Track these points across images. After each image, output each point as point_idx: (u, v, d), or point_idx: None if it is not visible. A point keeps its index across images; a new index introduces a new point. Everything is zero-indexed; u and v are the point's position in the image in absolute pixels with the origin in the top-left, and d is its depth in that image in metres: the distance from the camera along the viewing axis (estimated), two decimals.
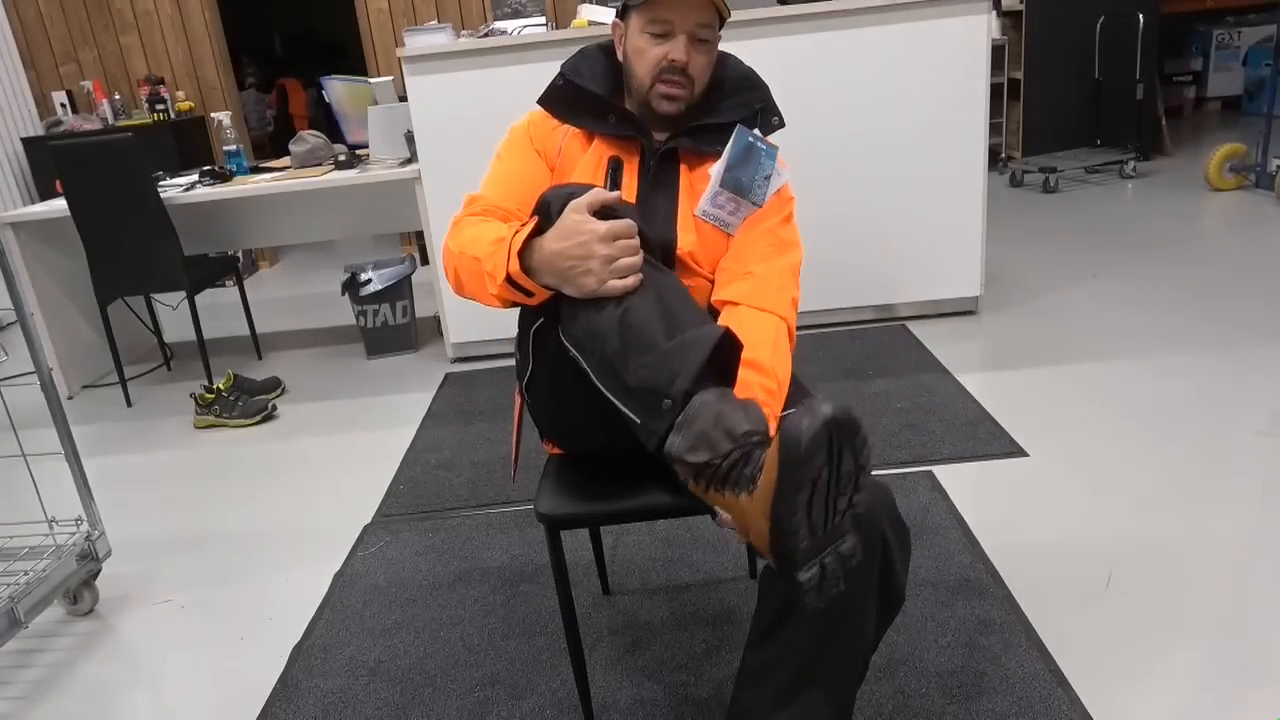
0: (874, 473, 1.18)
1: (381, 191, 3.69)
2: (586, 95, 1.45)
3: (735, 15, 3.08)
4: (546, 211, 1.23)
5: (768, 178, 1.44)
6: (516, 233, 1.23)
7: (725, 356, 1.18)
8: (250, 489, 2.67)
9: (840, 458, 1.00)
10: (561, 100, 1.47)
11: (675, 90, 1.37)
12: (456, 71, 3.14)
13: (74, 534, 2.04)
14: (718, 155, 1.43)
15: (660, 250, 1.39)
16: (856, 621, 1.14)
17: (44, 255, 3.56)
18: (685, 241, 1.42)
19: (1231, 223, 4.22)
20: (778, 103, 1.50)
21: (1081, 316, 3.25)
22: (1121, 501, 2.08)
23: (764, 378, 1.26)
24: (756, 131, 1.44)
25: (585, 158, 1.44)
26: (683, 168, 1.44)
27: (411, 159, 3.40)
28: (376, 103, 3.58)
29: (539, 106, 1.50)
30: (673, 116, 1.41)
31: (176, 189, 3.45)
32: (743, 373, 1.23)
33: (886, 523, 1.12)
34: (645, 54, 1.37)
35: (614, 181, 1.44)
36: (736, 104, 1.46)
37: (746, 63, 1.52)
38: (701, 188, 1.43)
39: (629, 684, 1.65)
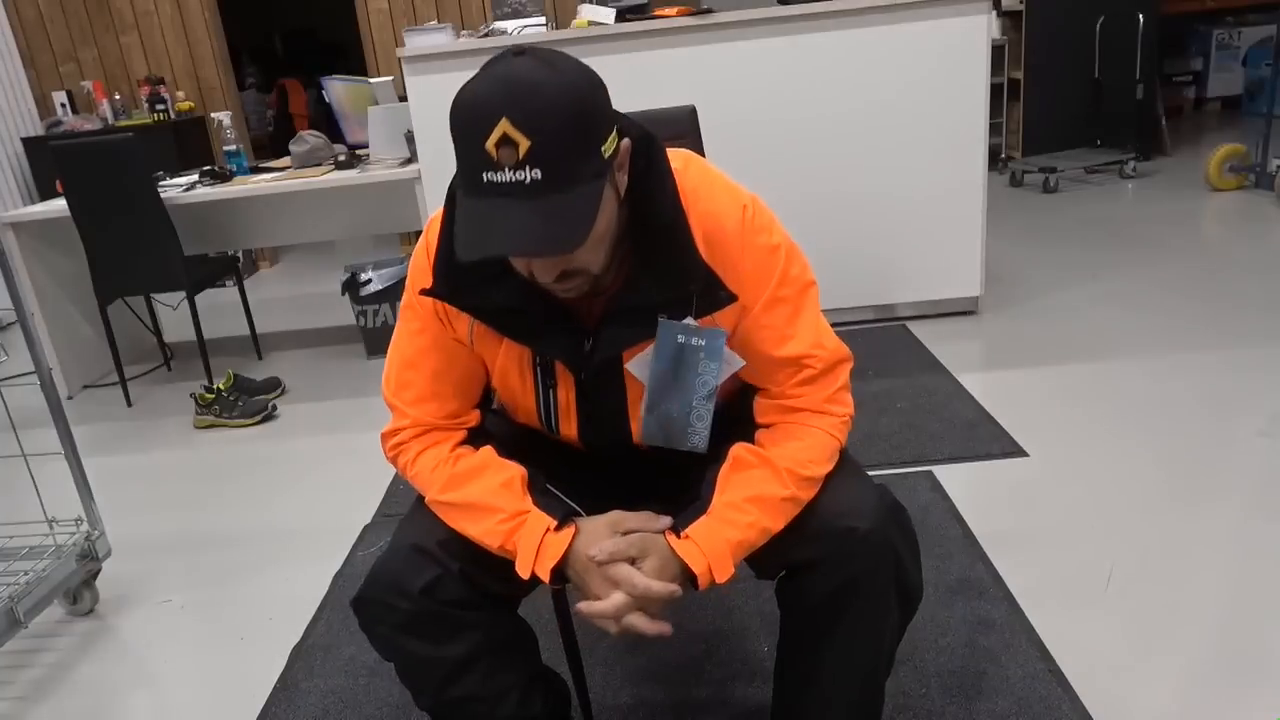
0: (873, 474, 1.18)
1: (381, 191, 3.68)
2: (487, 305, 1.07)
3: (735, 15, 3.08)
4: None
5: (710, 395, 1.11)
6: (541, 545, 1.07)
7: None
8: (250, 489, 2.67)
9: None
10: (455, 291, 1.07)
11: (569, 286, 0.99)
12: (456, 71, 3.14)
13: (74, 534, 2.03)
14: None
15: (617, 449, 1.23)
16: (878, 631, 1.14)
17: (44, 255, 3.55)
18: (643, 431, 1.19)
19: (1231, 223, 4.22)
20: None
21: (1081, 316, 3.24)
22: (1121, 501, 2.08)
23: (773, 482, 1.08)
24: (689, 321, 1.07)
25: (503, 349, 1.13)
26: (625, 355, 1.13)
27: (411, 159, 3.40)
28: (376, 103, 3.58)
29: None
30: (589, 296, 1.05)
31: (176, 189, 3.45)
32: (755, 472, 1.09)
33: (894, 530, 1.10)
34: (515, 262, 0.98)
35: (545, 374, 1.15)
36: (663, 272, 1.04)
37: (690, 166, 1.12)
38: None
39: (629, 684, 1.65)
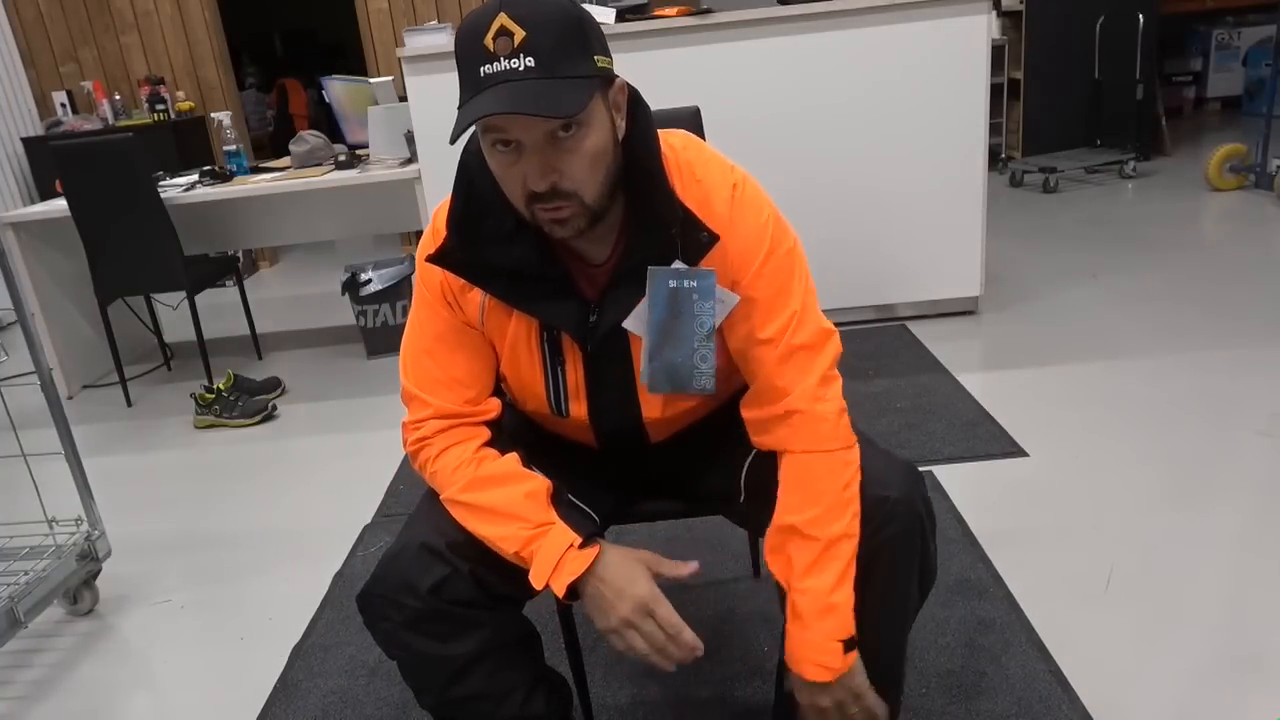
0: None
1: (381, 191, 3.68)
2: (490, 265, 1.09)
3: (735, 15, 3.08)
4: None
5: (709, 335, 1.11)
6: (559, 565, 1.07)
7: None
8: (250, 489, 2.67)
9: None
10: (461, 264, 1.11)
11: (558, 214, 0.99)
12: (456, 71, 3.14)
13: (74, 534, 2.03)
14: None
15: (627, 430, 1.24)
16: (903, 600, 1.16)
17: (44, 255, 3.55)
18: (653, 408, 1.21)
19: (1231, 223, 4.22)
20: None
21: (1081, 316, 3.24)
22: (1121, 501, 2.08)
23: (804, 546, 1.09)
24: (678, 264, 1.08)
25: (512, 325, 1.14)
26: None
27: (411, 159, 3.40)
28: (376, 103, 3.58)
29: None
30: (580, 233, 1.04)
31: (176, 189, 3.45)
32: (790, 547, 1.11)
33: (920, 503, 1.12)
34: (504, 177, 1.00)
35: (554, 350, 1.16)
36: (653, 227, 1.07)
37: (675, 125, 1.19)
38: None
39: (629, 684, 1.65)
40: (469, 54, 0.95)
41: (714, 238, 1.08)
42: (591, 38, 0.97)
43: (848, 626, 1.08)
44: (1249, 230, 4.04)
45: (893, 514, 1.08)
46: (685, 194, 1.08)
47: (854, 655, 1.09)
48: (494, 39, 0.92)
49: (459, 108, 0.96)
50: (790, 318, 1.11)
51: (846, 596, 1.08)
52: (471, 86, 0.95)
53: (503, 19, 0.92)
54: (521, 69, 0.92)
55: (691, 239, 1.08)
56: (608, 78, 0.99)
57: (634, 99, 1.05)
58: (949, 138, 3.18)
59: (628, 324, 1.12)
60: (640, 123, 1.05)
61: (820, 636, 1.08)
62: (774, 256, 1.11)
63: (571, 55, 0.94)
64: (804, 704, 1.11)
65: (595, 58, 0.97)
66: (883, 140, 3.21)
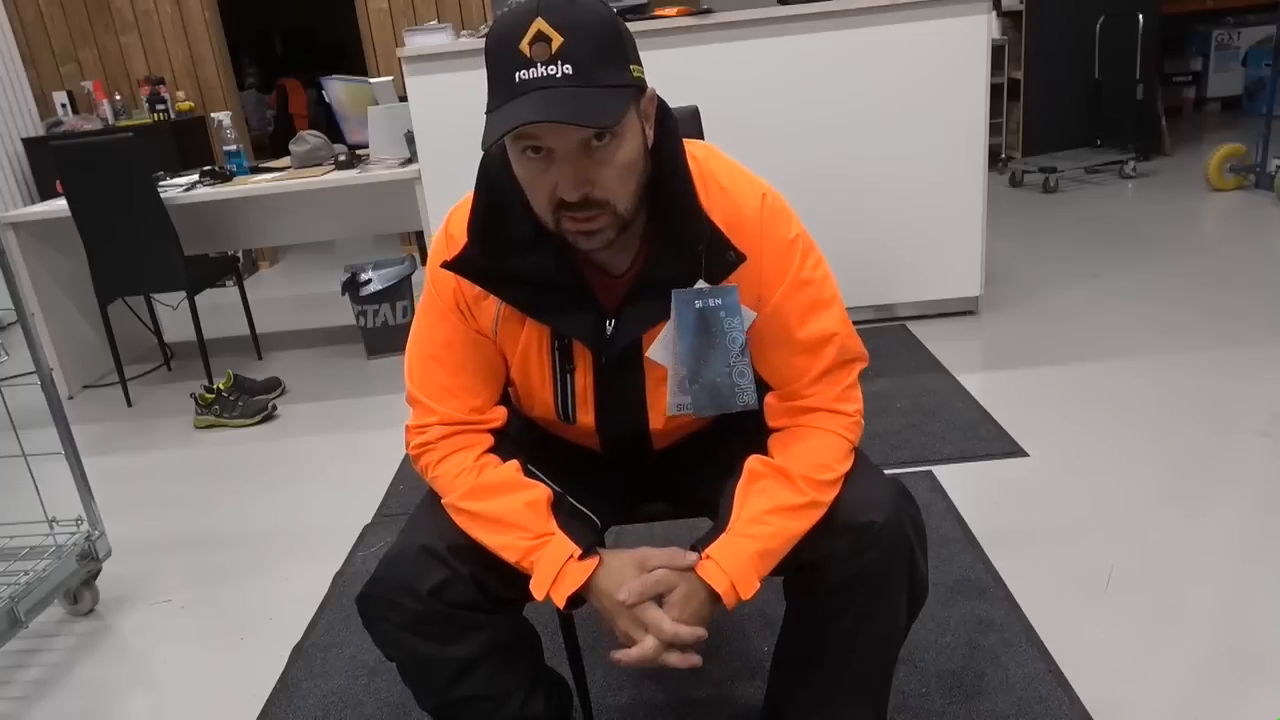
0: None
1: (381, 191, 3.68)
2: (509, 274, 1.07)
3: (735, 15, 3.08)
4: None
5: (743, 350, 1.10)
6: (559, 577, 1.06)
7: None
8: (250, 489, 2.67)
9: None
10: (479, 272, 1.09)
11: (588, 225, 0.97)
12: (456, 71, 3.14)
13: (74, 534, 2.04)
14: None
15: (633, 438, 1.24)
16: (889, 621, 1.15)
17: (44, 255, 3.55)
18: (659, 417, 1.20)
19: (1231, 223, 4.22)
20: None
21: (1081, 316, 3.24)
22: (1121, 501, 2.08)
23: (789, 490, 1.08)
24: (701, 284, 1.07)
25: (524, 333, 1.13)
26: (645, 340, 1.13)
27: (411, 159, 3.40)
28: (376, 103, 3.58)
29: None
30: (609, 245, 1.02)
31: (176, 189, 3.45)
32: (769, 482, 1.09)
33: (909, 525, 1.10)
34: (532, 186, 0.98)
35: (564, 357, 1.15)
36: (677, 242, 1.05)
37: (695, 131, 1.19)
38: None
39: (629, 684, 1.65)
40: (502, 57, 0.92)
41: (740, 258, 1.06)
42: (628, 47, 0.96)
43: (758, 578, 1.06)
44: (1249, 230, 4.04)
45: (878, 538, 1.07)
46: (710, 204, 1.07)
47: (736, 603, 1.06)
48: (530, 44, 0.90)
49: (488, 112, 0.94)
50: (831, 323, 1.12)
51: (782, 551, 1.08)
52: (504, 91, 0.92)
53: (540, 24, 0.90)
54: (559, 76, 0.90)
55: (717, 258, 1.06)
56: (641, 87, 0.98)
57: (662, 109, 1.04)
58: (949, 138, 3.18)
59: (652, 354, 1.12)
60: (668, 133, 1.04)
61: (752, 562, 1.06)
62: (806, 266, 1.11)
63: (609, 64, 0.93)
64: (676, 592, 1.06)
65: (631, 67, 0.96)
66: (883, 140, 3.21)
